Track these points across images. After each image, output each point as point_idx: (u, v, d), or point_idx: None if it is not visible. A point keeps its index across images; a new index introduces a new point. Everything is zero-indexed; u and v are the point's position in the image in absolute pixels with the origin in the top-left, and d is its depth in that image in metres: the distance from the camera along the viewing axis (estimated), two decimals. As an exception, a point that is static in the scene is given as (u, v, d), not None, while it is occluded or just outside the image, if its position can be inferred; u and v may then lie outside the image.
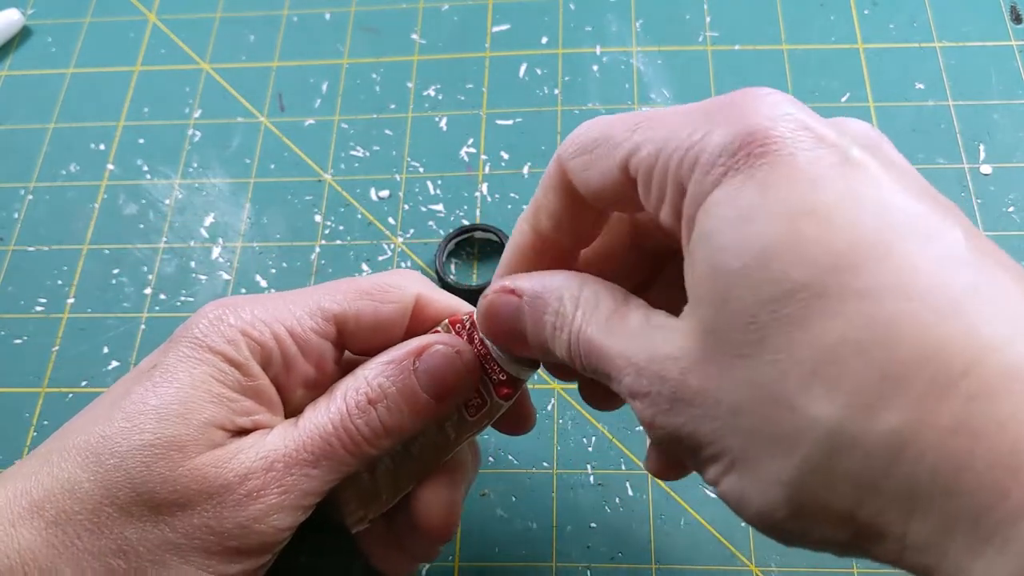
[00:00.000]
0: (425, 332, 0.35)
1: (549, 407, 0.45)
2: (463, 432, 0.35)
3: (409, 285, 0.35)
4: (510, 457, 0.44)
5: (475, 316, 0.34)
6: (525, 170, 0.53)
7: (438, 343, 0.34)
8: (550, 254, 0.33)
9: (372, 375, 0.33)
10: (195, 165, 0.55)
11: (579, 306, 0.29)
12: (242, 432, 0.32)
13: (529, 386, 0.46)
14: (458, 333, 0.35)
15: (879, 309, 0.21)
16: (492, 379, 0.34)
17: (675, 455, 0.28)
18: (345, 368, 0.35)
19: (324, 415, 0.32)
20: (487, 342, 0.34)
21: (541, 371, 0.46)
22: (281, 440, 0.31)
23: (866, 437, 0.21)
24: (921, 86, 0.54)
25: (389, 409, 0.32)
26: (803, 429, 0.22)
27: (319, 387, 0.34)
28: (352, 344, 0.35)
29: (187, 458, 0.30)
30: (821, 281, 0.21)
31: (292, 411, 0.34)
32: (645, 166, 0.26)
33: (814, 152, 0.23)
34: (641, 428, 0.44)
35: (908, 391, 0.20)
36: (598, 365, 0.28)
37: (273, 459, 0.31)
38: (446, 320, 0.35)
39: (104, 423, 0.30)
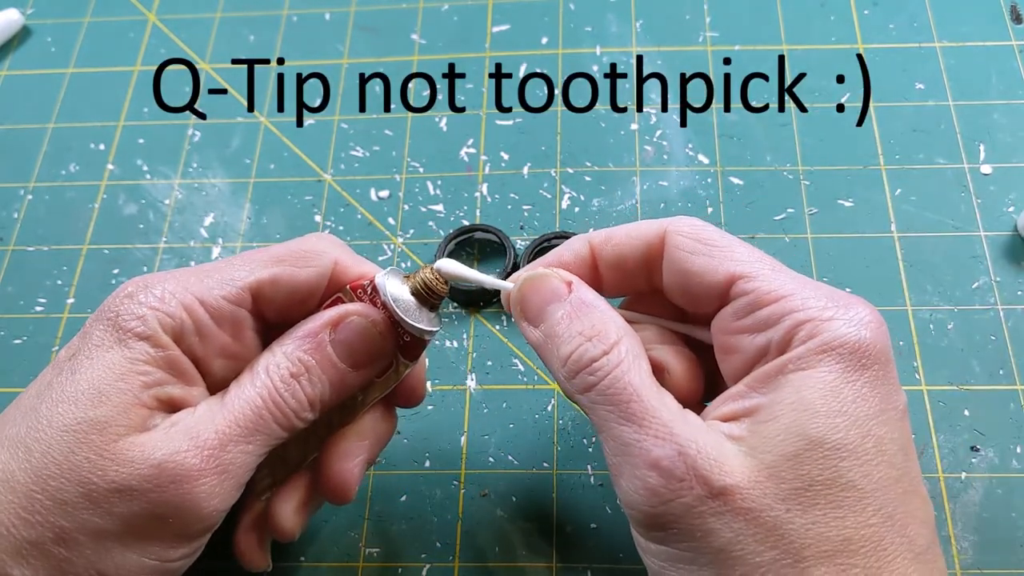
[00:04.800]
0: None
1: (549, 407, 0.45)
2: (370, 394, 0.36)
3: (327, 250, 0.35)
4: (510, 457, 0.44)
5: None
6: (525, 170, 0.53)
7: (354, 314, 0.34)
8: (585, 277, 0.34)
9: (291, 349, 0.33)
10: (195, 165, 0.55)
11: (624, 343, 0.31)
12: (163, 406, 0.32)
13: (530, 387, 0.46)
14: (359, 298, 0.35)
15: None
16: (398, 341, 0.35)
17: (645, 519, 0.30)
18: (267, 339, 0.35)
19: (251, 390, 0.32)
20: (389, 304, 0.34)
21: (542, 372, 0.47)
22: (210, 417, 0.32)
23: None
24: (921, 86, 0.54)
25: (311, 382, 0.33)
26: None
27: (239, 357, 0.35)
28: (269, 311, 0.35)
29: (109, 440, 0.30)
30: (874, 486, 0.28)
31: (212, 383, 0.34)
32: (755, 298, 0.30)
33: (892, 368, 0.30)
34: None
35: None
36: (622, 408, 0.30)
37: (205, 437, 0.31)
38: (347, 286, 0.35)
39: (32, 415, 0.31)
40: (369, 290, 0.35)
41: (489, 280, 0.36)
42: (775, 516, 0.27)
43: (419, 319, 0.35)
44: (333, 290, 0.36)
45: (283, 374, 0.33)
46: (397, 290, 0.35)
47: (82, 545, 0.30)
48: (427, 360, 0.46)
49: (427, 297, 0.35)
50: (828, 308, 0.30)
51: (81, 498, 0.30)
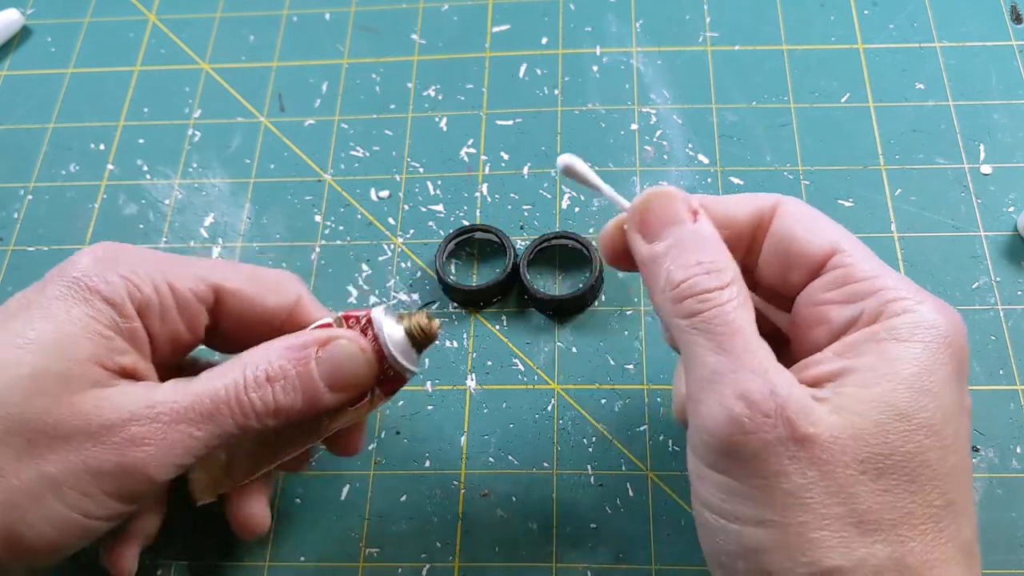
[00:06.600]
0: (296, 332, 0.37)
1: (549, 407, 0.45)
2: (336, 421, 0.37)
3: (293, 287, 0.37)
4: (510, 457, 0.44)
5: (635, 203, 0.33)
6: (525, 171, 0.53)
7: (344, 337, 0.35)
8: None
9: (275, 355, 0.34)
10: (195, 165, 0.55)
11: (738, 285, 0.31)
12: (121, 372, 0.33)
13: (530, 386, 0.46)
14: (350, 327, 0.36)
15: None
16: (379, 375, 0.36)
17: (707, 444, 0.29)
18: (210, 344, 0.36)
19: (220, 380, 0.33)
20: (382, 339, 0.35)
21: (542, 371, 0.47)
22: (172, 395, 0.32)
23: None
24: (921, 86, 0.54)
25: (285, 390, 0.34)
26: (857, 558, 0.27)
27: (186, 348, 0.36)
28: (227, 320, 0.36)
29: (69, 392, 0.30)
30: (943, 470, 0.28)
31: (155, 365, 0.35)
32: (850, 271, 0.31)
33: (967, 370, 0.31)
34: (643, 428, 0.44)
35: None
36: (722, 340, 0.29)
37: (160, 410, 0.32)
38: (339, 315, 0.36)
39: None
40: (363, 322, 0.36)
41: (608, 190, 0.34)
42: (850, 475, 0.27)
43: (405, 358, 0.36)
44: (291, 326, 0.37)
45: (258, 375, 0.33)
46: (391, 328, 0.36)
47: (15, 489, 0.30)
48: (425, 367, 0.47)
49: (417, 339, 0.36)
50: (919, 295, 0.30)
51: (26, 444, 0.30)
